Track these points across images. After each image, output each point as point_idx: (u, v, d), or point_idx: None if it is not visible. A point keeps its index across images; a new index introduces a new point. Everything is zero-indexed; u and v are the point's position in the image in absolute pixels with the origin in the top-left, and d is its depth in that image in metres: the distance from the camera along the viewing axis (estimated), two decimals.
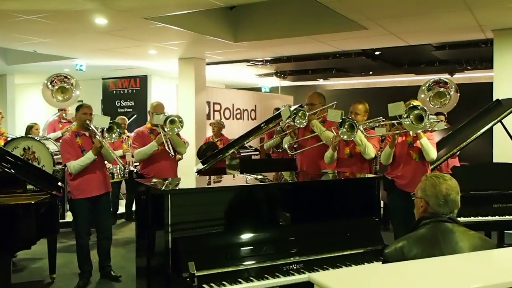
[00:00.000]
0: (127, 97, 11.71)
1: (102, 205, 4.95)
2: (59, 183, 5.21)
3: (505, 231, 5.46)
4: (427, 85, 8.48)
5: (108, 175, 5.12)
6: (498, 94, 6.74)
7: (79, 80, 8.41)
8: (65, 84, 8.39)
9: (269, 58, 10.08)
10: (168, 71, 10.93)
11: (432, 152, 4.39)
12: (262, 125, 6.36)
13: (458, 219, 4.17)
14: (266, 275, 2.93)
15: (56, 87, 8.36)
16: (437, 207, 2.36)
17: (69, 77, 8.55)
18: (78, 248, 4.91)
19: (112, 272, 5.08)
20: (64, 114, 8.33)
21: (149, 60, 9.65)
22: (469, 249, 2.22)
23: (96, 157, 4.78)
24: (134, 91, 11.67)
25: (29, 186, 5.15)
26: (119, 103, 11.74)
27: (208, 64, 10.12)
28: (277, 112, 6.31)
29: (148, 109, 5.49)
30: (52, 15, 5.85)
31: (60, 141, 7.35)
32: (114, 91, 11.93)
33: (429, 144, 4.39)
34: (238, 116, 11.99)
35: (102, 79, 12.03)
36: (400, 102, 4.33)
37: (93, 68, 10.43)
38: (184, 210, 3.02)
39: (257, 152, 11.34)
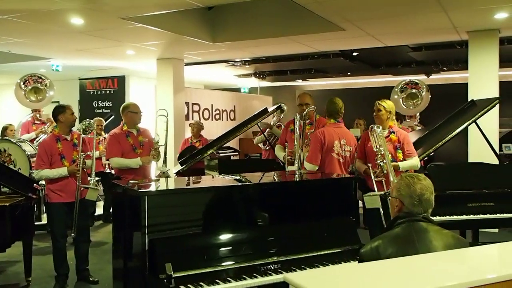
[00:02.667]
0: (104, 97, 11.58)
1: (80, 207, 4.82)
2: (35, 185, 5.13)
3: (479, 230, 5.56)
4: (400, 86, 8.65)
5: (87, 179, 4.93)
6: (473, 94, 6.87)
7: (55, 81, 8.30)
8: (39, 85, 8.27)
9: (248, 59, 10.09)
10: (146, 72, 10.84)
11: (413, 166, 4.46)
12: (241, 125, 6.38)
13: (434, 218, 4.26)
14: (244, 276, 2.93)
15: (30, 87, 8.23)
16: (411, 206, 2.39)
17: (43, 77, 8.42)
18: (55, 251, 4.81)
19: (90, 277, 4.99)
20: (38, 115, 8.19)
21: (126, 61, 9.56)
22: (442, 248, 2.25)
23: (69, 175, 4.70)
24: (112, 92, 11.55)
25: (4, 189, 5.08)
26: (96, 104, 11.60)
27: (187, 64, 10.08)
28: (255, 113, 6.33)
29: (124, 110, 5.25)
30: (27, 14, 5.75)
31: (37, 142, 7.23)
32: (92, 92, 11.79)
33: (408, 165, 4.45)
34: (217, 116, 11.97)
35: (79, 79, 11.88)
36: (376, 196, 4.12)
37: (69, 69, 10.28)
38: (161, 211, 3.01)
39: (237, 153, 11.36)
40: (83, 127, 5.06)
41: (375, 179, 4.26)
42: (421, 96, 8.49)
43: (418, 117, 8.90)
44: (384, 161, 4.20)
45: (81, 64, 10.03)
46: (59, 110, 4.85)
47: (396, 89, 8.70)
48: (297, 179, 4.10)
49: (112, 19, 5.99)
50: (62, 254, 4.82)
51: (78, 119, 11.23)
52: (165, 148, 5.46)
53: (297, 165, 4.83)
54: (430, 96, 8.49)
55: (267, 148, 8.13)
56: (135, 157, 5.06)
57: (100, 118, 8.32)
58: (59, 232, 4.78)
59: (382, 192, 4.11)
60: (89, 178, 4.90)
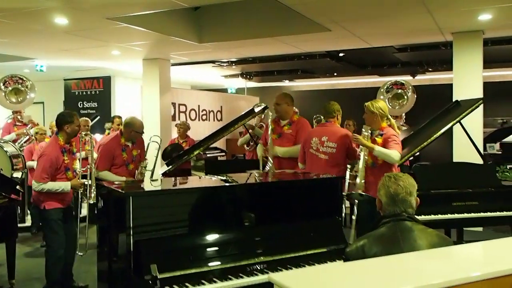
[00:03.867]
0: (90, 98, 11.49)
1: (70, 212, 4.70)
2: (18, 187, 5.04)
3: (464, 228, 5.61)
4: (386, 87, 8.72)
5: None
6: (457, 95, 6.93)
7: (39, 81, 8.22)
8: (20, 86, 8.16)
9: (235, 59, 10.08)
10: (132, 72, 10.78)
11: (390, 157, 4.21)
12: (228, 125, 6.38)
13: (419, 217, 4.29)
14: (229, 276, 2.92)
15: (10, 89, 8.12)
16: (387, 206, 2.41)
17: (24, 78, 8.32)
18: (54, 260, 4.49)
19: (74, 282, 4.82)
20: (19, 117, 8.07)
21: (112, 61, 9.50)
22: (427, 247, 2.27)
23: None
24: (97, 92, 11.46)
25: None
26: (81, 105, 11.50)
27: (173, 65, 10.04)
28: (241, 114, 6.33)
29: (123, 121, 5.12)
30: (10, 14, 5.68)
31: (18, 144, 7.09)
32: (77, 92, 11.69)
33: (383, 152, 4.22)
34: (204, 117, 11.96)
35: (64, 80, 11.77)
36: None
37: (54, 69, 10.18)
38: (146, 212, 2.98)
39: (224, 153, 11.35)
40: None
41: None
42: (406, 96, 8.56)
43: (404, 117, 8.97)
44: (359, 160, 4.25)
45: (66, 65, 9.93)
46: (67, 120, 4.51)
47: (382, 90, 8.76)
48: (284, 180, 4.10)
49: (97, 19, 5.94)
50: (62, 263, 4.56)
51: None
52: (152, 173, 5.47)
53: (270, 164, 4.89)
54: (415, 96, 8.56)
55: (251, 149, 8.15)
56: (127, 172, 4.95)
57: (86, 119, 8.22)
58: (60, 240, 4.50)
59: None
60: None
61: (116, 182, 3.61)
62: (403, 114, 8.94)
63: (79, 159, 4.96)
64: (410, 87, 8.62)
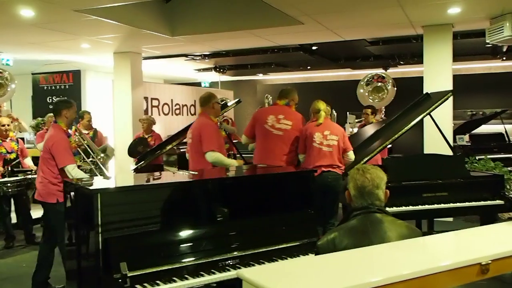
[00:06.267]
0: (59, 93, 11.21)
1: None
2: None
3: (435, 219, 5.70)
4: (366, 79, 8.74)
5: None
6: (428, 87, 7.02)
7: None
8: None
9: (208, 53, 10.00)
10: (103, 66, 10.59)
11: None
12: None
13: (391, 209, 4.34)
14: (201, 272, 2.89)
15: None
16: (354, 198, 2.42)
17: (1, 70, 8.07)
18: (65, 252, 4.26)
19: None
20: None
21: (82, 54, 9.30)
22: (396, 238, 2.28)
23: None
24: (67, 87, 11.20)
25: None
26: (50, 100, 11.21)
27: (145, 58, 9.89)
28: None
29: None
30: None
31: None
32: (45, 87, 11.41)
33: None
34: (178, 111, 11.85)
35: (32, 74, 11.47)
36: None
37: (21, 63, 9.90)
38: (115, 209, 2.92)
39: None
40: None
41: None
42: (386, 90, 8.62)
43: (384, 111, 9.04)
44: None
45: (34, 58, 9.68)
46: (65, 105, 4.49)
47: (362, 82, 8.80)
48: (256, 173, 4.08)
49: (65, 11, 5.79)
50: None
51: (32, 115, 10.94)
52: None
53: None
54: (395, 89, 8.63)
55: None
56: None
57: (52, 115, 8.00)
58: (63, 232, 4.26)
59: None
60: None
61: (84, 179, 3.53)
62: (383, 108, 9.00)
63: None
64: (390, 80, 8.67)
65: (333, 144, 4.90)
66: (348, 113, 9.29)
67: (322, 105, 4.99)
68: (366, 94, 8.70)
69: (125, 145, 7.57)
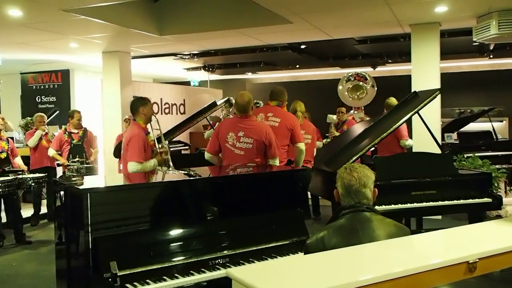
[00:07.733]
0: (48, 92, 11.13)
1: None
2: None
3: (423, 217, 5.74)
4: (347, 76, 8.80)
5: None
6: (416, 86, 7.07)
7: None
8: None
9: (197, 52, 9.98)
10: (92, 65, 10.52)
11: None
12: (190, 118, 6.33)
13: (379, 207, 4.37)
14: (191, 271, 2.90)
15: None
16: (342, 197, 2.45)
17: None
18: None
19: None
20: None
21: (70, 54, 9.24)
22: (385, 237, 2.30)
23: None
24: (56, 86, 11.11)
25: None
26: (39, 99, 11.13)
27: (134, 57, 9.86)
28: (204, 107, 6.29)
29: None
30: None
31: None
32: (34, 87, 11.31)
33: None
34: (167, 110, 11.81)
35: (21, 73, 11.37)
36: None
37: (10, 62, 9.83)
38: (105, 208, 2.92)
39: (187, 147, 11.26)
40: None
41: None
42: (365, 90, 8.67)
43: (363, 109, 9.10)
44: None
45: (22, 58, 9.60)
46: (142, 102, 4.60)
47: (342, 79, 8.86)
48: (246, 173, 4.09)
49: (53, 10, 5.75)
50: None
51: (21, 115, 10.86)
52: None
53: None
54: (375, 91, 8.67)
55: None
56: None
57: (42, 114, 7.94)
58: None
59: None
60: None
61: (74, 178, 3.52)
62: (362, 107, 9.05)
63: None
64: (371, 82, 8.72)
65: (307, 142, 5.14)
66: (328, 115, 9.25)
67: (299, 106, 5.11)
68: (346, 93, 8.75)
69: (114, 145, 7.55)
